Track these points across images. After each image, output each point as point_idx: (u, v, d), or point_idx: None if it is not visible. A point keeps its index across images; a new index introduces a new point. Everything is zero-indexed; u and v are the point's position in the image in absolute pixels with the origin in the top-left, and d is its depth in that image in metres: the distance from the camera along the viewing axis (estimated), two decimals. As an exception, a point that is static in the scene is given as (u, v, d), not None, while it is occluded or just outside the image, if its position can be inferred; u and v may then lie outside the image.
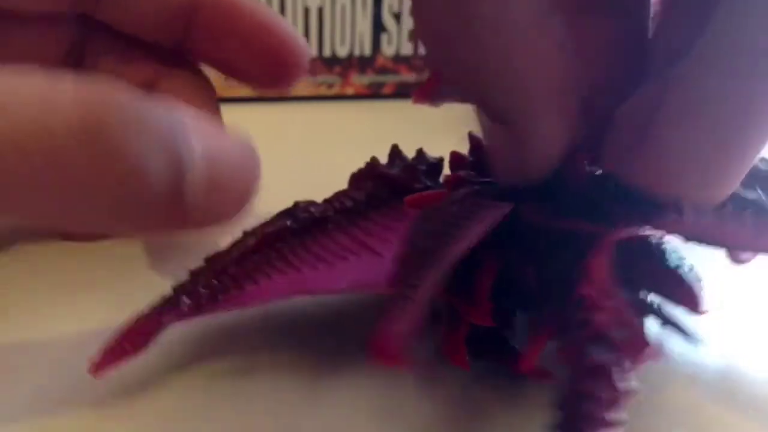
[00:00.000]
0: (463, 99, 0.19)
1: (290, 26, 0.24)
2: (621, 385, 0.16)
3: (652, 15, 0.19)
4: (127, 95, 0.15)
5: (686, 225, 0.18)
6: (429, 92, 0.26)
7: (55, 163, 0.14)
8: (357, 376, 0.20)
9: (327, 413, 0.19)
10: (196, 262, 0.21)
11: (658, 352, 0.17)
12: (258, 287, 0.20)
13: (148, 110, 0.15)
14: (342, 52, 0.41)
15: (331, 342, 0.21)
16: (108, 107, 0.15)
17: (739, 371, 0.21)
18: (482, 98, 0.18)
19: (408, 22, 0.42)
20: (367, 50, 0.42)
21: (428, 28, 0.17)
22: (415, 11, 0.17)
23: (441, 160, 0.23)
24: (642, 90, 0.17)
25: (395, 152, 0.24)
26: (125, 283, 0.24)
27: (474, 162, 0.21)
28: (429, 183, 0.22)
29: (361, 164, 0.24)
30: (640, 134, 0.17)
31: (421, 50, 0.42)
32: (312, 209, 0.22)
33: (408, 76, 0.43)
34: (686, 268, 0.19)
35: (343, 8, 0.41)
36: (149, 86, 0.25)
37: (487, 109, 0.18)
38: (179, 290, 0.20)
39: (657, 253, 0.19)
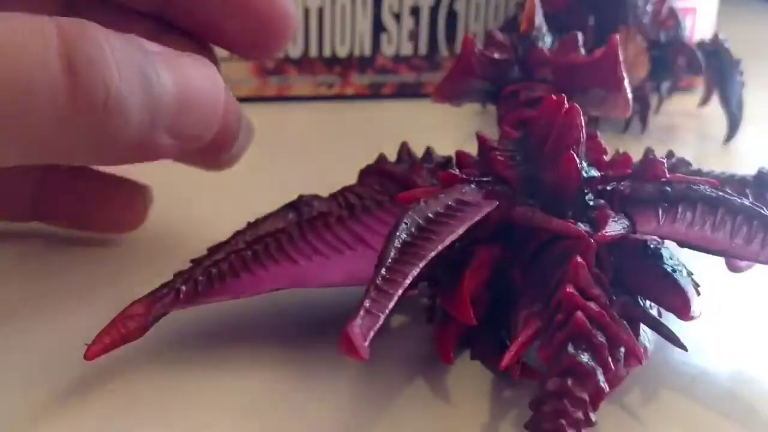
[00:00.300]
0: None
1: None
2: (595, 386, 0.16)
3: None
4: (103, 31, 0.17)
5: (673, 230, 0.18)
6: (447, 91, 0.27)
7: (37, 93, 0.16)
8: (345, 370, 0.20)
9: (314, 404, 0.19)
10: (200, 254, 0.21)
11: (641, 356, 0.17)
12: (254, 277, 0.21)
13: (122, 43, 0.17)
14: (342, 52, 0.41)
15: (322, 335, 0.21)
16: (86, 40, 0.16)
17: (738, 377, 0.21)
18: None
19: (408, 22, 0.42)
20: (367, 50, 0.42)
21: None
22: None
23: (449, 159, 0.23)
24: None
25: (404, 150, 0.25)
26: (125, 281, 0.24)
27: (480, 161, 0.21)
28: (434, 182, 0.22)
29: (361, 164, 0.25)
30: None
31: (422, 50, 0.43)
32: (315, 203, 0.22)
33: (408, 76, 0.43)
34: (681, 274, 0.19)
35: (343, 8, 0.41)
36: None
37: None
38: (178, 277, 0.20)
39: (652, 258, 0.19)
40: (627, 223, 0.19)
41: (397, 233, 0.17)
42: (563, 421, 0.15)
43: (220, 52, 0.25)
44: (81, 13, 0.24)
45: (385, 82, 0.42)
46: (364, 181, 0.24)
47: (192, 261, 0.21)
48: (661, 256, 0.19)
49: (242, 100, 0.24)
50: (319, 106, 0.42)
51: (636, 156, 0.22)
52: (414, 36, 0.42)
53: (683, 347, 0.18)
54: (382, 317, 0.15)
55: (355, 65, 0.42)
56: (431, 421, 0.19)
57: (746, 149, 0.38)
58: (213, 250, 0.21)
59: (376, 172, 0.24)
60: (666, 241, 0.20)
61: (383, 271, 0.16)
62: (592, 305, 0.17)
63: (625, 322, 0.17)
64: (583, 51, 0.26)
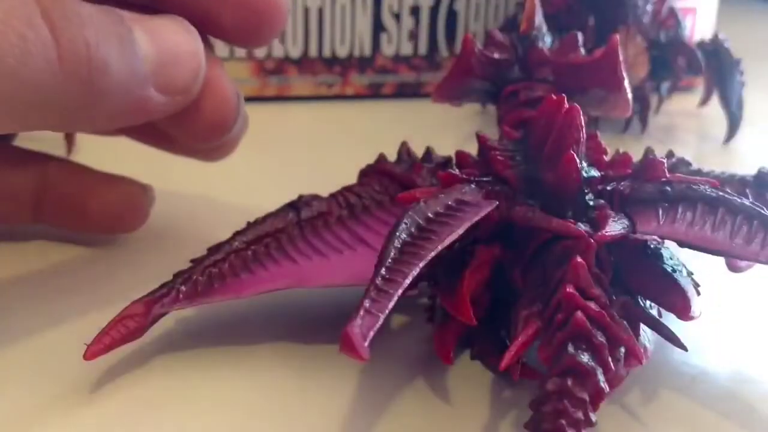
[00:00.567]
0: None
1: None
2: (595, 386, 0.16)
3: None
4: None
5: (673, 230, 0.18)
6: (447, 91, 0.27)
7: (30, 52, 0.17)
8: (348, 369, 0.20)
9: (314, 405, 0.19)
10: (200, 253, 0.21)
11: (641, 356, 0.17)
12: (253, 277, 0.21)
13: (94, 8, 0.18)
14: (342, 52, 0.41)
15: (322, 335, 0.21)
16: (61, 3, 0.17)
17: (738, 377, 0.21)
18: None
19: (408, 22, 0.42)
20: (367, 50, 0.42)
21: None
22: None
23: (449, 159, 0.23)
24: None
25: (404, 150, 0.25)
26: (125, 281, 0.24)
27: (480, 161, 0.21)
28: (434, 182, 0.22)
29: (361, 164, 0.25)
30: None
31: (421, 50, 0.43)
32: (315, 203, 0.22)
33: (408, 76, 0.43)
34: (681, 274, 0.19)
35: (343, 8, 0.41)
36: None
37: None
38: (177, 277, 0.20)
39: (653, 258, 0.19)
40: (627, 223, 0.19)
41: (397, 233, 0.17)
42: (563, 421, 0.15)
43: (220, 51, 0.25)
44: None
45: (385, 82, 0.43)
46: (364, 181, 0.24)
47: (192, 261, 0.21)
48: (661, 256, 0.19)
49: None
50: (319, 106, 0.42)
51: (636, 156, 0.22)
52: (414, 36, 0.42)
53: (683, 347, 0.18)
54: (382, 317, 0.15)
55: (354, 65, 0.42)
56: (431, 421, 0.19)
57: (746, 149, 0.38)
58: (213, 250, 0.21)
59: (376, 172, 0.24)
60: (666, 241, 0.20)
61: (383, 271, 0.16)
62: (592, 305, 0.17)
63: (625, 322, 0.17)
64: (583, 51, 0.26)
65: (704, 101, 0.40)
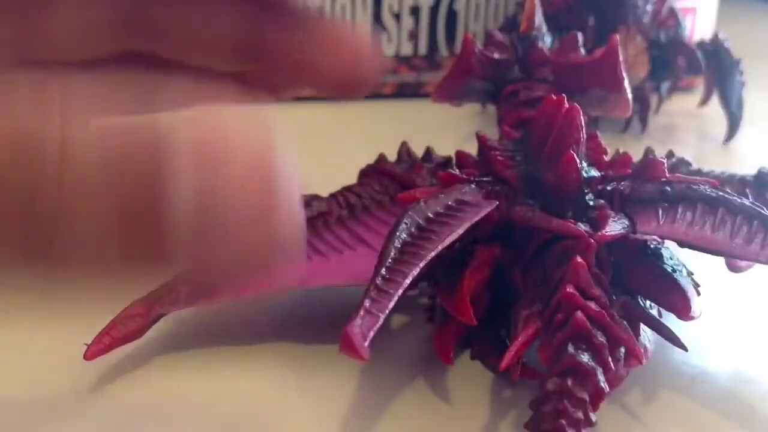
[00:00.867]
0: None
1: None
2: (595, 386, 0.16)
3: None
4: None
5: (673, 230, 0.18)
6: (447, 91, 0.27)
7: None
8: (348, 369, 0.20)
9: (313, 403, 0.19)
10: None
11: (641, 356, 0.17)
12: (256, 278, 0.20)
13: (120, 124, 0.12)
14: (342, 51, 0.41)
15: (322, 335, 0.21)
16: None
17: (738, 376, 0.21)
18: None
19: (408, 22, 0.42)
20: (368, 50, 0.42)
21: None
22: None
23: (449, 159, 0.23)
24: None
25: (404, 150, 0.25)
26: (125, 281, 0.24)
27: (480, 161, 0.21)
28: (434, 182, 0.22)
29: (361, 164, 0.25)
30: None
31: (421, 50, 0.42)
32: (315, 203, 0.22)
33: (408, 76, 0.43)
34: (681, 274, 0.19)
35: (343, 8, 0.41)
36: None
37: None
38: (178, 278, 0.20)
39: (653, 258, 0.19)
40: (627, 223, 0.19)
41: (397, 233, 0.17)
42: (563, 421, 0.15)
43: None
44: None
45: (385, 82, 0.42)
46: (364, 181, 0.24)
47: (192, 261, 0.21)
48: (661, 256, 0.19)
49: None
50: (319, 106, 0.42)
51: (636, 156, 0.22)
52: (414, 36, 0.42)
53: (683, 347, 0.18)
54: (382, 317, 0.15)
55: (355, 65, 0.42)
56: (431, 421, 0.19)
57: (746, 149, 0.38)
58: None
59: (376, 172, 0.24)
60: (666, 241, 0.20)
61: (383, 271, 0.16)
62: (592, 305, 0.17)
63: (625, 322, 0.17)
64: (583, 51, 0.26)
65: (704, 101, 0.40)
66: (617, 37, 0.24)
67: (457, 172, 0.20)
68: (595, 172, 0.20)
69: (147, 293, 0.20)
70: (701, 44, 0.39)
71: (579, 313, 0.16)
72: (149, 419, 0.19)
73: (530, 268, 0.19)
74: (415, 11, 0.42)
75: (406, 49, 0.42)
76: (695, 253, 0.19)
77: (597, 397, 0.16)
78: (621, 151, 0.22)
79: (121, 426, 0.18)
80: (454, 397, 0.20)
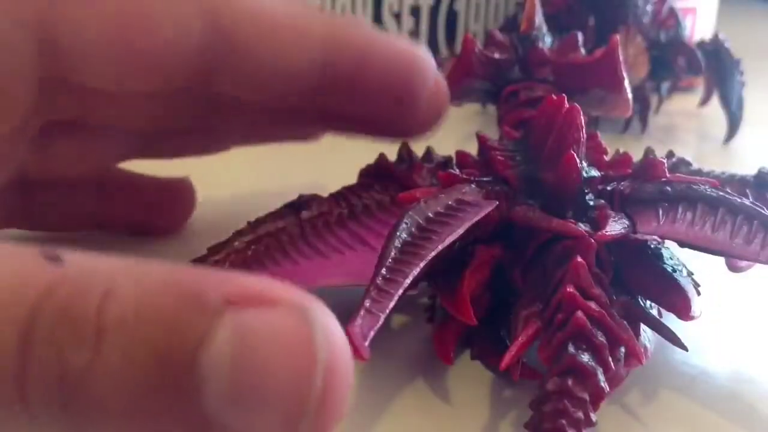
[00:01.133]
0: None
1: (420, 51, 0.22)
2: (596, 386, 0.16)
3: None
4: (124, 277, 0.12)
5: (673, 229, 0.18)
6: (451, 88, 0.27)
7: None
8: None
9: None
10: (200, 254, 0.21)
11: (641, 356, 0.17)
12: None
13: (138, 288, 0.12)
14: (342, 51, 0.41)
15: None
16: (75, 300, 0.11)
17: (738, 376, 0.21)
18: None
19: (408, 22, 0.42)
20: (368, 50, 0.42)
21: None
22: None
23: (449, 159, 0.23)
24: None
25: (404, 150, 0.25)
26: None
27: (480, 161, 0.21)
28: (434, 182, 0.22)
29: (361, 164, 0.25)
30: None
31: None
32: (315, 203, 0.22)
33: (408, 77, 0.43)
34: (682, 274, 0.19)
35: (343, 8, 0.41)
36: None
37: None
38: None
39: (653, 258, 0.19)
40: (627, 222, 0.19)
41: (398, 233, 0.17)
42: (564, 421, 0.15)
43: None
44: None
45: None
46: (365, 181, 0.24)
47: (192, 261, 0.21)
48: (661, 255, 0.19)
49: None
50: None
51: (636, 156, 0.22)
52: (414, 36, 0.42)
53: (684, 347, 0.18)
54: (383, 317, 0.15)
55: (355, 65, 0.42)
56: (431, 421, 0.19)
57: (746, 149, 0.38)
58: (213, 249, 0.21)
59: (376, 172, 0.24)
60: (666, 241, 0.20)
61: (383, 270, 0.16)
62: (593, 305, 0.17)
63: (625, 322, 0.17)
64: (583, 51, 0.26)
65: (704, 101, 0.40)
66: (617, 37, 0.24)
67: (457, 172, 0.20)
68: (595, 172, 0.20)
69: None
70: (701, 44, 0.39)
71: (579, 313, 0.16)
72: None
73: (530, 268, 0.19)
74: (415, 11, 0.42)
75: (406, 49, 0.42)
76: (695, 253, 0.19)
77: (597, 397, 0.16)
78: (621, 151, 0.22)
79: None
80: (454, 397, 0.19)
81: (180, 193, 0.27)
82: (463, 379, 0.20)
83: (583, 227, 0.18)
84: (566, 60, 0.25)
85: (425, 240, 0.17)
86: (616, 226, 0.18)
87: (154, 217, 0.26)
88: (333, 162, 0.24)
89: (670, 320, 0.19)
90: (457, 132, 0.36)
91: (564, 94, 0.20)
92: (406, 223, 0.17)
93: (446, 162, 0.24)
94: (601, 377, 0.16)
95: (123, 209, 0.26)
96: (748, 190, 0.23)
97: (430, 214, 0.18)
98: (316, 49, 0.20)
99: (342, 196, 0.23)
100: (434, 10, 0.42)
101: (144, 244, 0.26)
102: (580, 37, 0.26)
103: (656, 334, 0.19)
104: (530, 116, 0.22)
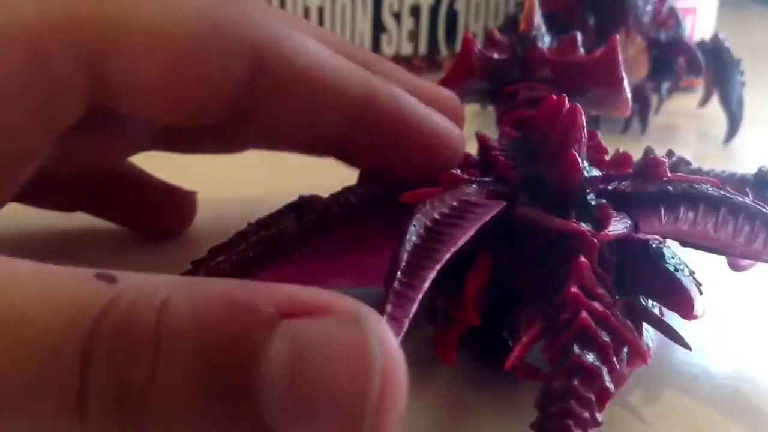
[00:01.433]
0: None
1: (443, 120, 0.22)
2: (601, 386, 0.16)
3: None
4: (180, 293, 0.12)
5: (675, 229, 0.18)
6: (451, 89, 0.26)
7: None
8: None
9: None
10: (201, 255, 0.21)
11: (646, 355, 0.17)
12: (255, 279, 0.20)
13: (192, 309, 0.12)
14: (342, 52, 0.41)
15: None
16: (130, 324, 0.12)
17: (740, 377, 0.21)
18: None
19: (408, 22, 0.42)
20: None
21: None
22: None
23: None
24: None
25: None
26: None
27: (481, 161, 0.21)
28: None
29: (362, 163, 0.24)
30: None
31: (422, 50, 0.42)
32: (316, 204, 0.22)
33: (408, 77, 0.43)
34: (684, 274, 0.19)
35: (343, 8, 0.41)
36: None
37: None
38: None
39: (655, 257, 0.19)
40: (629, 222, 0.19)
41: (408, 236, 0.17)
42: (570, 422, 0.15)
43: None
44: None
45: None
46: (365, 181, 0.24)
47: (193, 263, 0.21)
48: (663, 255, 0.19)
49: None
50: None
51: (636, 156, 0.22)
52: (414, 36, 0.42)
53: (687, 346, 0.18)
54: (407, 322, 0.15)
55: (354, 65, 0.42)
56: (434, 421, 0.19)
57: (746, 149, 0.38)
58: (214, 251, 0.21)
59: (377, 173, 0.24)
60: (667, 241, 0.20)
61: (399, 275, 0.16)
62: (597, 305, 0.17)
63: (628, 321, 0.17)
64: (582, 51, 0.26)
65: (704, 101, 0.40)
66: (617, 37, 0.24)
67: (458, 172, 0.20)
68: (596, 172, 0.20)
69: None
70: (701, 44, 0.39)
71: (584, 313, 0.16)
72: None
73: (532, 268, 0.19)
74: (415, 11, 0.42)
75: (406, 49, 0.42)
76: (696, 253, 0.19)
77: (603, 397, 0.16)
78: (621, 150, 0.22)
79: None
80: (456, 398, 0.19)
81: (182, 199, 0.27)
82: (465, 380, 0.20)
83: (585, 227, 0.18)
84: (565, 60, 0.25)
85: (437, 242, 0.17)
86: (618, 226, 0.18)
87: (154, 216, 0.27)
88: (334, 162, 0.24)
89: (672, 320, 0.19)
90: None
91: (564, 94, 0.20)
92: (415, 226, 0.17)
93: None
94: (607, 377, 0.16)
95: (126, 202, 0.26)
96: (748, 189, 0.23)
97: (437, 216, 0.18)
98: (350, 108, 0.21)
99: (343, 197, 0.23)
100: (434, 10, 0.42)
101: (146, 245, 0.26)
102: (579, 37, 0.26)
103: (658, 333, 0.19)
104: (530, 116, 0.22)
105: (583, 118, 0.19)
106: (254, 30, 0.20)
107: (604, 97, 0.25)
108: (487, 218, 0.18)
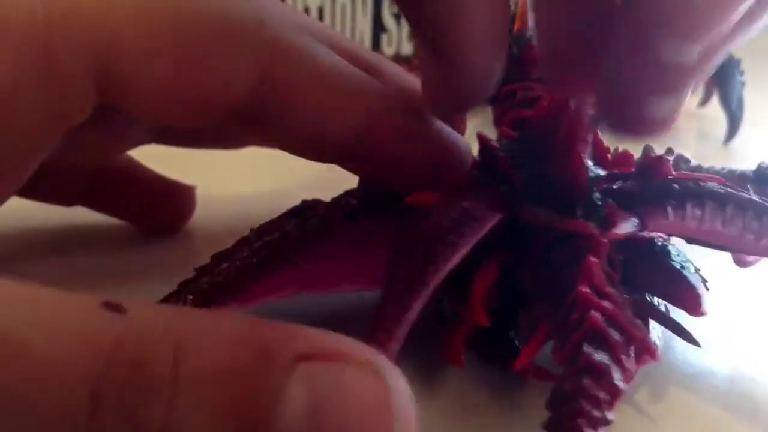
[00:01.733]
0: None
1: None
2: (612, 385, 0.16)
3: None
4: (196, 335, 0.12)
5: (682, 227, 0.18)
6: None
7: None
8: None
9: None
10: (204, 258, 0.21)
11: (655, 353, 0.17)
12: (259, 285, 0.20)
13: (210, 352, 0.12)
14: (341, 53, 0.41)
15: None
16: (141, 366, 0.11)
17: (744, 375, 0.21)
18: (423, 24, 0.18)
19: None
20: (367, 51, 0.42)
21: None
22: None
23: None
24: None
25: None
26: (128, 291, 0.24)
27: (482, 162, 0.21)
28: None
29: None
30: None
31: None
32: (318, 208, 0.22)
33: (408, 78, 0.43)
34: (690, 271, 0.19)
35: (343, 8, 0.41)
36: None
37: (426, 35, 0.18)
38: (183, 287, 0.20)
39: (660, 255, 0.19)
40: (636, 221, 0.19)
41: (410, 242, 0.17)
42: (581, 421, 0.15)
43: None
44: None
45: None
46: (367, 183, 0.24)
47: (196, 270, 0.21)
48: (668, 253, 0.19)
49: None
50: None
51: (635, 155, 0.22)
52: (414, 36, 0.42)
53: (696, 343, 0.18)
54: (395, 350, 0.16)
55: (354, 67, 0.42)
56: (445, 424, 0.18)
57: (746, 149, 0.38)
58: (217, 258, 0.21)
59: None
60: (672, 238, 0.20)
61: (403, 282, 0.16)
62: (607, 304, 0.17)
63: (638, 320, 0.17)
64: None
65: (704, 101, 0.40)
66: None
67: (458, 176, 0.20)
68: (601, 171, 0.20)
69: (155, 302, 0.20)
70: (701, 44, 0.39)
71: (594, 313, 0.16)
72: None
73: (540, 268, 0.19)
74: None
75: (407, 49, 0.42)
76: (701, 250, 0.19)
77: (614, 395, 0.15)
78: (620, 149, 0.22)
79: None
80: (464, 399, 0.19)
81: (181, 193, 0.27)
82: (473, 381, 0.20)
83: (593, 227, 0.18)
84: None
85: (429, 264, 0.17)
86: (626, 225, 0.18)
87: (152, 210, 0.27)
88: (329, 167, 0.24)
89: (677, 317, 0.19)
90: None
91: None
92: (417, 233, 0.17)
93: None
94: (617, 375, 0.16)
95: (125, 196, 0.26)
96: (748, 185, 0.23)
97: (441, 224, 0.18)
98: (358, 118, 0.21)
99: (344, 200, 0.23)
100: (433, 11, 0.42)
101: (146, 245, 0.26)
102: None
103: (664, 330, 0.19)
104: (529, 115, 0.22)
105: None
106: (264, 35, 0.20)
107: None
108: (481, 234, 0.18)
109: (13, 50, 0.18)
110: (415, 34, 0.19)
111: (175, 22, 0.19)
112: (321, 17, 0.41)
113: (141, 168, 0.27)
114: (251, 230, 0.22)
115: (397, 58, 0.42)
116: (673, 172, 0.20)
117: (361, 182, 0.24)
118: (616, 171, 0.20)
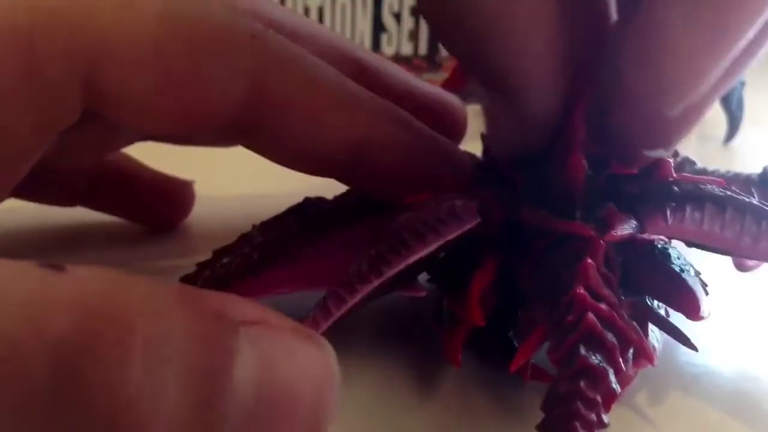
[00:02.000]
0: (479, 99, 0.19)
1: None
2: (607, 387, 0.16)
3: None
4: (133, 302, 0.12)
5: (681, 229, 0.18)
6: (449, 92, 0.27)
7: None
8: (353, 374, 0.20)
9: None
10: (206, 255, 0.21)
11: (652, 356, 0.17)
12: (260, 281, 0.20)
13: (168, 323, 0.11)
14: (342, 52, 0.41)
15: (329, 338, 0.21)
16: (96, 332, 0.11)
17: (745, 378, 0.21)
18: (480, 62, 0.18)
19: (408, 22, 0.42)
20: (368, 51, 0.42)
21: None
22: None
23: None
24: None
25: None
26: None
27: (483, 162, 0.21)
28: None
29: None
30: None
31: (422, 50, 0.42)
32: (321, 205, 0.22)
33: (408, 77, 0.43)
34: (690, 274, 0.19)
35: (343, 8, 0.41)
36: None
37: (485, 76, 0.18)
38: (184, 281, 0.20)
39: (660, 258, 0.19)
40: (635, 223, 0.19)
41: (380, 239, 0.18)
42: (576, 423, 0.15)
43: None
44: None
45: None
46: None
47: (197, 265, 0.21)
48: (668, 255, 0.19)
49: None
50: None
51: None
52: (414, 36, 0.42)
53: (694, 347, 0.18)
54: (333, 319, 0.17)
55: (354, 66, 0.42)
56: (440, 423, 0.19)
57: (747, 149, 0.38)
58: (219, 253, 0.21)
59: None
60: (672, 241, 0.20)
61: (351, 275, 0.18)
62: (603, 306, 0.17)
63: (634, 322, 0.17)
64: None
65: (704, 101, 0.40)
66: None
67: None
68: (601, 172, 0.20)
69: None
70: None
71: (590, 315, 0.16)
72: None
73: (537, 269, 0.19)
74: (415, 11, 0.42)
75: (407, 49, 0.42)
76: (701, 253, 0.19)
77: (609, 398, 0.16)
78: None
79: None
80: (462, 399, 0.19)
81: (179, 189, 0.27)
82: (470, 381, 0.20)
83: (591, 228, 0.18)
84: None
85: (395, 251, 0.18)
86: (624, 227, 0.18)
87: (151, 207, 0.27)
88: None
89: (676, 320, 0.19)
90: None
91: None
92: (390, 231, 0.18)
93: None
94: (613, 378, 0.16)
95: (123, 194, 0.27)
96: (753, 189, 0.23)
97: (411, 224, 0.18)
98: (354, 135, 0.20)
99: (347, 198, 0.23)
100: (434, 11, 0.42)
101: (146, 243, 0.26)
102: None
103: (663, 333, 0.19)
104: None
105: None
106: (256, 47, 0.19)
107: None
108: (448, 238, 0.18)
109: None
110: (480, 81, 0.19)
111: (160, 31, 0.18)
112: (321, 17, 0.41)
113: (139, 166, 0.27)
114: (253, 226, 0.22)
115: (397, 58, 0.42)
116: (674, 174, 0.20)
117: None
118: (616, 173, 0.20)
